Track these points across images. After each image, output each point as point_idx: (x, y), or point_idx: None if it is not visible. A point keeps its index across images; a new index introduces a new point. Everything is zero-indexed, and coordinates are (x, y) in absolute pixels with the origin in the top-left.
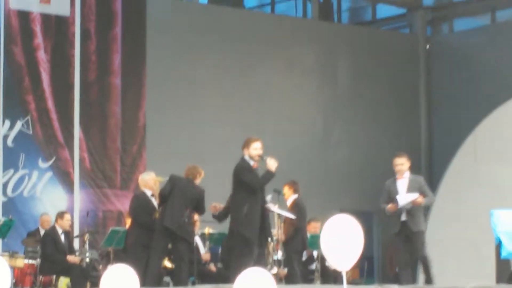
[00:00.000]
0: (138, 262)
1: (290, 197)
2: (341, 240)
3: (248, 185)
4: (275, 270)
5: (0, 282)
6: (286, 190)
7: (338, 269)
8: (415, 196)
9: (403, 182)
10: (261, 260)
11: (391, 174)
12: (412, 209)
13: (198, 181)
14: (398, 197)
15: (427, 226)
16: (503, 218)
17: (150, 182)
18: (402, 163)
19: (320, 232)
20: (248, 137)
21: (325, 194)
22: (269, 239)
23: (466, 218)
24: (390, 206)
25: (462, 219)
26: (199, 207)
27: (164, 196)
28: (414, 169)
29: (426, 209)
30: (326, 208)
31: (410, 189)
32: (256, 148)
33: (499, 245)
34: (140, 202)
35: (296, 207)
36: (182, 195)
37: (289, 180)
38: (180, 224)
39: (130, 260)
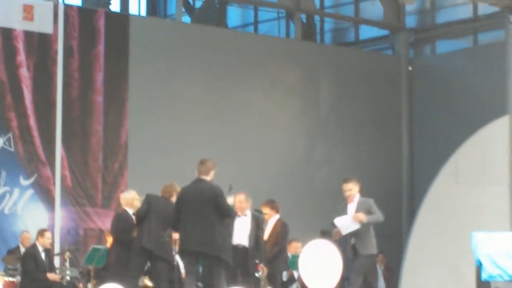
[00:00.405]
0: (118, 281)
1: (273, 217)
2: (319, 266)
3: (226, 210)
4: None
5: None
6: (268, 210)
7: None
8: (353, 221)
9: (352, 206)
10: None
11: (372, 195)
12: (361, 233)
13: (174, 199)
14: (336, 221)
15: (408, 246)
16: (484, 241)
17: (131, 200)
18: (350, 189)
19: (300, 252)
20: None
21: (306, 214)
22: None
23: (447, 240)
24: (334, 231)
25: (443, 240)
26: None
27: (140, 216)
28: (395, 190)
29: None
30: (307, 229)
31: (358, 212)
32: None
33: (479, 267)
34: (121, 221)
35: (283, 226)
36: (159, 214)
37: (267, 199)
38: (158, 244)
39: (111, 278)
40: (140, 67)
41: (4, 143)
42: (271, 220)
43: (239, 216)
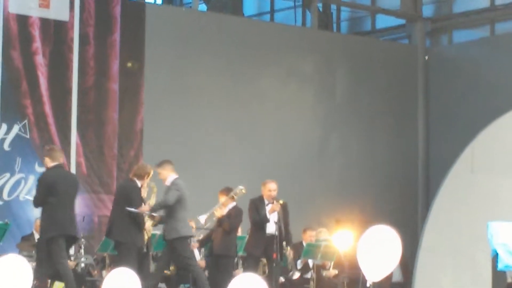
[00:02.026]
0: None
1: (231, 204)
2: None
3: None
4: (297, 275)
5: (23, 282)
6: (225, 198)
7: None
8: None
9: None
10: None
11: (388, 185)
12: (166, 218)
13: (146, 181)
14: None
15: (423, 236)
16: (500, 231)
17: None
18: (159, 173)
19: (315, 241)
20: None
21: (321, 203)
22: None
23: (462, 230)
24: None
25: (458, 230)
26: (132, 202)
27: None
28: (411, 179)
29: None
30: (322, 218)
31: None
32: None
33: (495, 257)
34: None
35: (237, 210)
36: (122, 200)
37: (224, 187)
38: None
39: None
40: (156, 55)
41: (20, 130)
42: (228, 207)
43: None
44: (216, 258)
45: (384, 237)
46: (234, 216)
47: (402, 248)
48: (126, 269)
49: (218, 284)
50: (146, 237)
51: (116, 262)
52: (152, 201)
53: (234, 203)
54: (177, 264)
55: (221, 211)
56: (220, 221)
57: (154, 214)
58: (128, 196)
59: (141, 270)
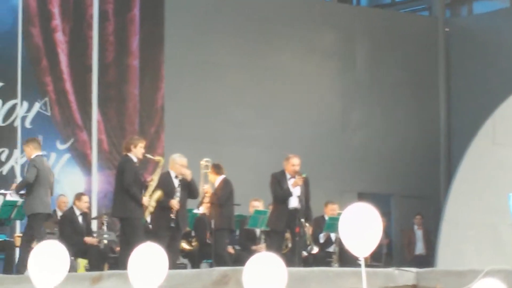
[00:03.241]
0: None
1: (219, 177)
2: (360, 228)
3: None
4: (315, 249)
5: (61, 266)
6: (214, 175)
7: (357, 255)
8: None
9: None
10: None
11: (410, 158)
12: (26, 195)
13: (135, 152)
14: None
15: (446, 208)
16: None
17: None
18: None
19: (337, 214)
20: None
21: (343, 177)
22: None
23: (484, 201)
24: None
25: (480, 202)
26: (124, 176)
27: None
28: (432, 152)
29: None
30: (344, 191)
31: None
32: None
33: None
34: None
35: (225, 183)
36: (118, 176)
37: (213, 164)
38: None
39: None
40: (176, 30)
41: (41, 108)
42: (217, 180)
43: (293, 178)
44: (215, 232)
45: (365, 214)
46: (221, 189)
47: (424, 219)
48: (153, 244)
49: (214, 257)
50: (148, 211)
51: (123, 239)
52: (156, 176)
53: (222, 176)
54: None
55: (207, 188)
56: (211, 197)
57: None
58: (120, 171)
59: (171, 246)
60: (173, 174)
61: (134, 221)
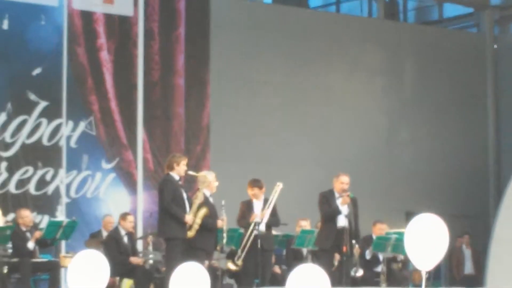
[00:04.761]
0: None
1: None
2: (426, 239)
3: None
4: (360, 272)
5: (101, 276)
6: (257, 190)
7: (420, 268)
8: None
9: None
10: None
11: (458, 176)
12: None
13: (177, 170)
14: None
15: (495, 227)
16: None
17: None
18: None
19: (385, 234)
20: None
21: (390, 196)
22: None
23: None
24: None
25: None
26: (162, 196)
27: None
28: (481, 170)
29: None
30: (392, 210)
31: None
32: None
33: None
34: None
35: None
36: (159, 196)
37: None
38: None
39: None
40: (221, 49)
41: (86, 127)
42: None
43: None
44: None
45: (431, 226)
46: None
47: (473, 239)
48: (194, 264)
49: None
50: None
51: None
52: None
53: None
54: None
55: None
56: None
57: None
58: (160, 191)
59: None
60: (207, 193)
61: (175, 241)
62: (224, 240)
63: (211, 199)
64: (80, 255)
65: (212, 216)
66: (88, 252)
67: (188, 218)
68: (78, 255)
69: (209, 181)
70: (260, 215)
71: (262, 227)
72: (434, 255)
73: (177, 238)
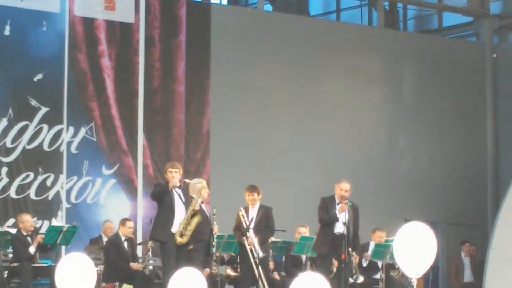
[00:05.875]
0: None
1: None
2: (414, 247)
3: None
4: (361, 279)
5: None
6: (256, 196)
7: (409, 275)
8: None
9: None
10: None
11: (457, 184)
12: None
13: (167, 177)
14: None
15: (493, 235)
16: None
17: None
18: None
19: (385, 241)
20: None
21: (389, 204)
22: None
23: None
24: None
25: None
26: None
27: None
28: (480, 179)
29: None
30: (391, 218)
31: None
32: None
33: None
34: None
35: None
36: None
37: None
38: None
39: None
40: (222, 56)
41: (86, 133)
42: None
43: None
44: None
45: (420, 234)
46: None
47: (471, 247)
48: (192, 269)
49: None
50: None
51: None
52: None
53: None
54: None
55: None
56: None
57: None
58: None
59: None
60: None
61: (163, 244)
62: (214, 248)
63: (202, 206)
64: (66, 258)
65: (204, 223)
66: (73, 255)
67: (175, 229)
68: (64, 258)
69: (198, 189)
70: (248, 243)
71: (259, 251)
72: (422, 263)
73: (167, 243)
